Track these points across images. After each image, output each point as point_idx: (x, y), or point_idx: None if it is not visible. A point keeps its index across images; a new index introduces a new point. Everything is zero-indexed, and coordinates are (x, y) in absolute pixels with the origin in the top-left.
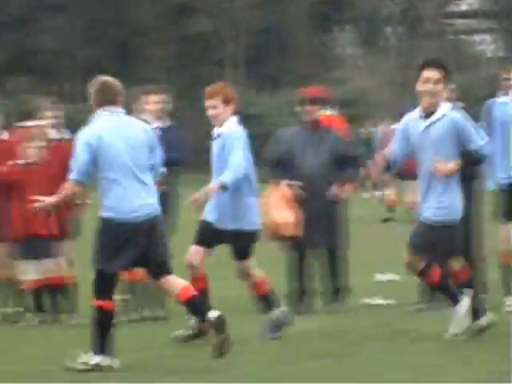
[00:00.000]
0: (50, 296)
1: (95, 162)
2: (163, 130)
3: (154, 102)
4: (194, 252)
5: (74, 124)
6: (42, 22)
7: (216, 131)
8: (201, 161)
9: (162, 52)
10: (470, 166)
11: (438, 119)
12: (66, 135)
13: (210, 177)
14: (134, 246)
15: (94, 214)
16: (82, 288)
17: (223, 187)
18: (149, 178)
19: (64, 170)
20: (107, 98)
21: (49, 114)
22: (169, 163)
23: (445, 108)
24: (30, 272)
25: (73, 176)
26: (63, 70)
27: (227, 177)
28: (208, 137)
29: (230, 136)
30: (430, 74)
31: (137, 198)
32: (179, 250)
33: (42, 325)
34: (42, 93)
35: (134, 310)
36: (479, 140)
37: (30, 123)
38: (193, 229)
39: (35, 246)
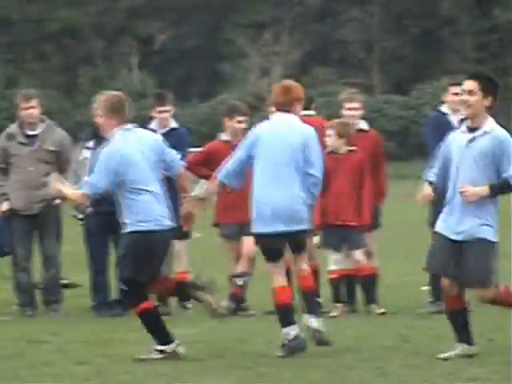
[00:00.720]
0: (347, 287)
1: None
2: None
3: (453, 93)
4: None
5: (369, 115)
6: (343, 15)
7: None
8: None
9: (464, 43)
10: (499, 193)
11: (484, 133)
12: (365, 126)
13: None
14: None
15: None
16: (382, 279)
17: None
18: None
19: (369, 159)
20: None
21: (355, 105)
22: None
23: (491, 123)
24: (333, 262)
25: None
26: (361, 61)
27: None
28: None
29: None
30: (466, 84)
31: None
32: None
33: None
34: (346, 84)
35: None
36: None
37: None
38: None
39: (341, 236)
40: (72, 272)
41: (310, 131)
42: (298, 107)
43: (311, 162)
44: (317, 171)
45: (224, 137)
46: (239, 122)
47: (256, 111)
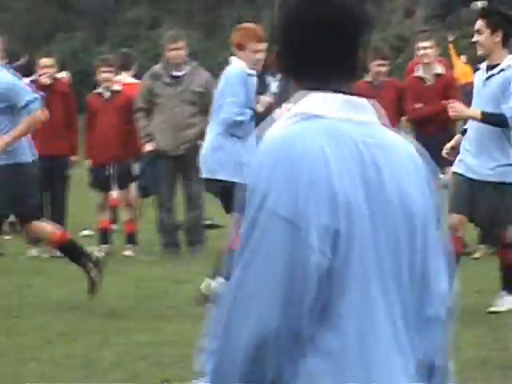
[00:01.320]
0: None
1: None
2: None
3: None
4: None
5: None
6: None
7: None
8: None
9: None
10: (491, 123)
11: (499, 71)
12: None
13: None
14: None
15: None
16: None
17: None
18: None
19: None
20: None
21: None
22: None
23: (509, 59)
24: None
25: None
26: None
27: None
28: None
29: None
30: (476, 25)
31: None
32: None
33: None
34: None
35: None
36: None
37: None
38: None
39: None
40: (214, 213)
41: (227, 74)
42: (240, 52)
43: (222, 105)
44: (227, 112)
45: (365, 78)
46: (380, 65)
47: (398, 53)
